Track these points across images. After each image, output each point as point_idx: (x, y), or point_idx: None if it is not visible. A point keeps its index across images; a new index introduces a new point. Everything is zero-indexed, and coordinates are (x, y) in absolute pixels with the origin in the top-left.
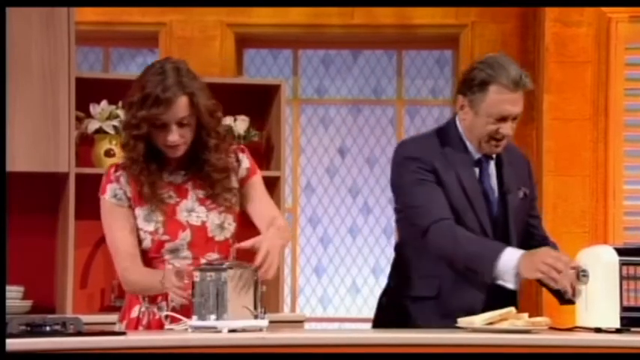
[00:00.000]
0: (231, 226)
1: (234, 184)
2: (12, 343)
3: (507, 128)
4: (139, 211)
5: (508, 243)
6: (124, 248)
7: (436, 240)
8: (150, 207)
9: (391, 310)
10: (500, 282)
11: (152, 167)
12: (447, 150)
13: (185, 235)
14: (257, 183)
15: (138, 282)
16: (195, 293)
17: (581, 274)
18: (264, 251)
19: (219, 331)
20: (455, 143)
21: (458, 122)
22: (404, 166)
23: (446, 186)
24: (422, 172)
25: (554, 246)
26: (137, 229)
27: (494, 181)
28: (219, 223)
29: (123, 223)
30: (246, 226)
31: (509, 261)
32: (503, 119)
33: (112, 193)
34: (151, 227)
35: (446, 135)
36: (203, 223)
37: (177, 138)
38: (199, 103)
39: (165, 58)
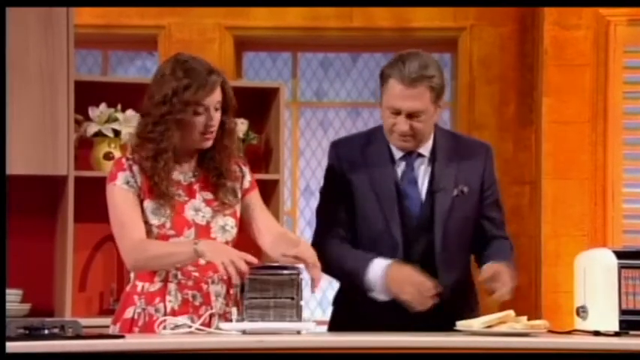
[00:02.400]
0: (233, 229)
1: (237, 189)
2: (10, 347)
3: (402, 124)
4: (148, 204)
5: (431, 243)
6: (136, 224)
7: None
8: (159, 201)
9: (345, 310)
10: (373, 294)
11: (171, 163)
12: (370, 149)
13: (189, 233)
14: (258, 197)
15: (157, 246)
16: (270, 294)
17: (580, 311)
18: (314, 264)
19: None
20: (379, 141)
21: None
22: (326, 171)
23: (357, 189)
24: (333, 181)
25: (503, 250)
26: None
27: (421, 179)
28: (222, 225)
29: (134, 205)
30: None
31: (376, 272)
32: (397, 113)
33: (124, 180)
34: (158, 221)
35: (374, 133)
36: (208, 223)
37: (216, 122)
38: (228, 88)
39: (177, 54)
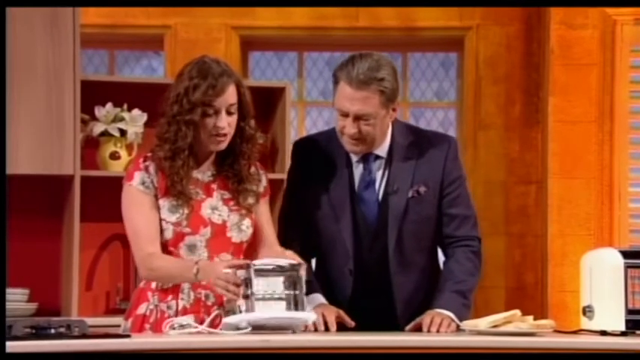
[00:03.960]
0: (248, 229)
1: (256, 192)
2: (16, 346)
3: (350, 127)
4: (164, 202)
5: (385, 246)
6: (149, 234)
7: None
8: (176, 200)
9: None
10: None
11: (191, 162)
12: (329, 151)
13: (205, 232)
14: (267, 205)
15: (163, 267)
16: (273, 287)
17: (586, 310)
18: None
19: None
20: (338, 143)
21: None
22: (288, 173)
23: (313, 195)
24: (293, 186)
25: (469, 248)
26: (160, 220)
27: (379, 182)
28: (238, 224)
29: (148, 210)
30: None
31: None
32: (346, 115)
33: (140, 181)
34: (174, 218)
35: (335, 133)
36: (224, 222)
37: (226, 124)
38: (244, 92)
39: (203, 56)
